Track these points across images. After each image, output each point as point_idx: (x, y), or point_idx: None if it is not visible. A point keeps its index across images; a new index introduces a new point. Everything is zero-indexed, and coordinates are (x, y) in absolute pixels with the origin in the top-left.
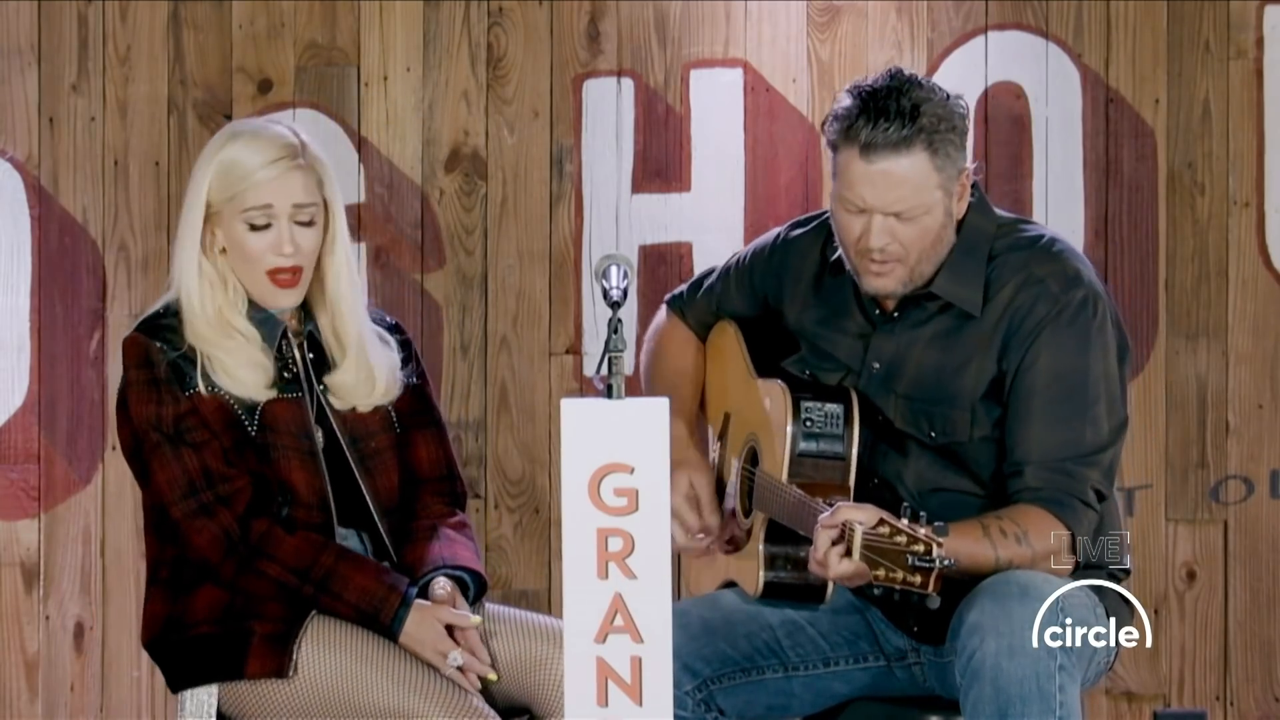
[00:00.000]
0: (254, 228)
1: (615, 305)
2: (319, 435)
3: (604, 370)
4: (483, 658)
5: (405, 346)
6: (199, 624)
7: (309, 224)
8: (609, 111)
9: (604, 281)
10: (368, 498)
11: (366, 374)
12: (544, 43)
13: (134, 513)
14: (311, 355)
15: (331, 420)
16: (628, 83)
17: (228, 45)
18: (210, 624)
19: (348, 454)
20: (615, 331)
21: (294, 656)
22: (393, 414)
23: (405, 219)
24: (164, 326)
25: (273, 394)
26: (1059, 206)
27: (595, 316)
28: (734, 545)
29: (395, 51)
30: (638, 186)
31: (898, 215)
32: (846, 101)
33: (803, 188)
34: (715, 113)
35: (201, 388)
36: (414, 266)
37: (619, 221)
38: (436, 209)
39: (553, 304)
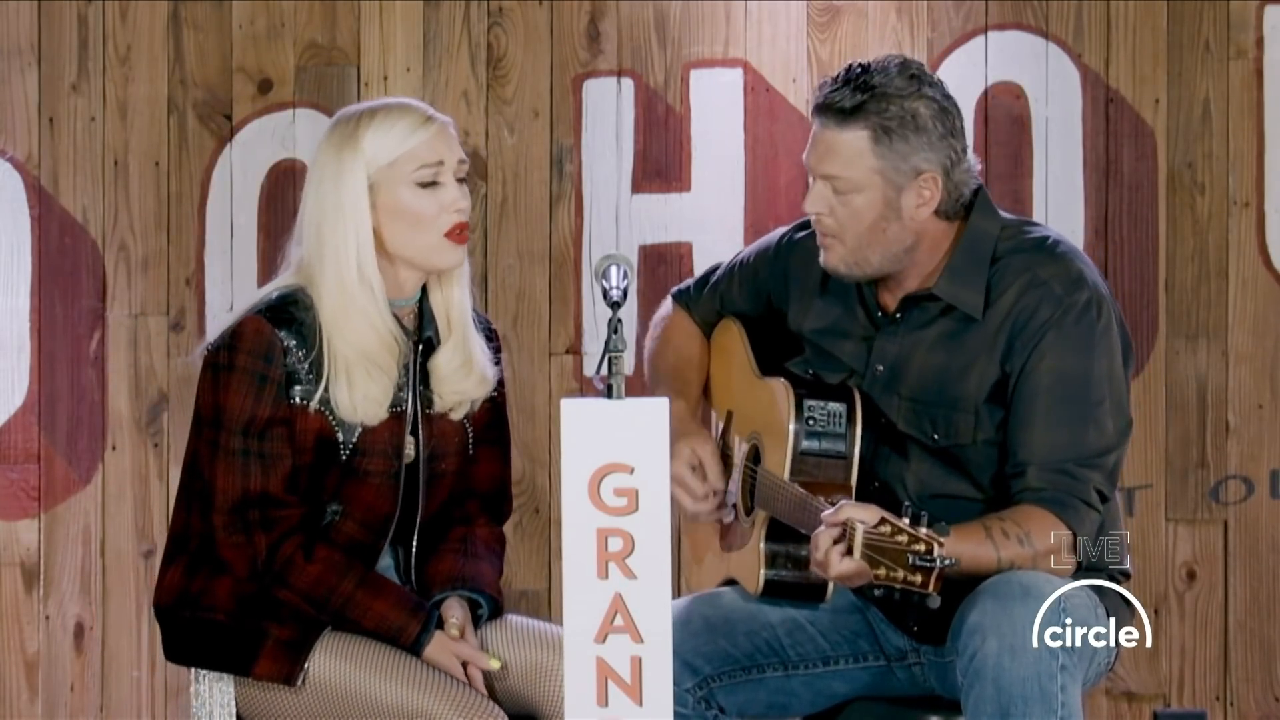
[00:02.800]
0: (424, 186)
1: (615, 305)
2: (408, 449)
3: (604, 370)
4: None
5: (496, 350)
6: (216, 610)
7: (464, 181)
8: (609, 111)
9: (604, 281)
10: (419, 518)
11: (466, 358)
12: (544, 43)
13: (134, 513)
14: (422, 359)
15: (421, 431)
16: (628, 83)
17: (228, 45)
18: (227, 614)
19: (421, 472)
20: (615, 331)
21: (305, 666)
22: (470, 436)
23: None
24: (294, 318)
25: (384, 414)
26: (1059, 206)
27: (595, 316)
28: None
29: (395, 51)
30: (638, 186)
31: (831, 185)
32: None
33: (802, 188)
34: (715, 113)
35: (311, 407)
36: None
37: (619, 221)
38: None
39: (553, 304)
